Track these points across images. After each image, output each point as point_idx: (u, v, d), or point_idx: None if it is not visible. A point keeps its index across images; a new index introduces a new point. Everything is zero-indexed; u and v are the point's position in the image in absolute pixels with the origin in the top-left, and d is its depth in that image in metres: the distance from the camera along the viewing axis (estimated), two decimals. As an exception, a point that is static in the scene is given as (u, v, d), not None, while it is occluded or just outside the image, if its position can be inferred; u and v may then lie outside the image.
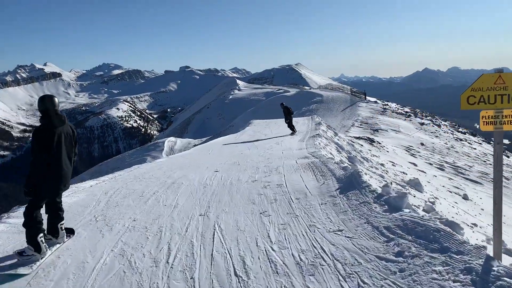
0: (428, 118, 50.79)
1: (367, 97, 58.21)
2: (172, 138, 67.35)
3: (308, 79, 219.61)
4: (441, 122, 50.39)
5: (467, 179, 23.17)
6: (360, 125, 40.18)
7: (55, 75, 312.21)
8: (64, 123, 4.48)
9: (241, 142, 16.35)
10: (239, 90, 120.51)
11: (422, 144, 33.25)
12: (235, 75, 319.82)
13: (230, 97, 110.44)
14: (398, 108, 53.73)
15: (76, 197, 6.93)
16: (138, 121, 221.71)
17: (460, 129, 49.30)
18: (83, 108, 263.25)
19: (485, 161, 31.82)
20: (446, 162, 28.49)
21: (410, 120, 48.03)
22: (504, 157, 39.27)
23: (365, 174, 6.52)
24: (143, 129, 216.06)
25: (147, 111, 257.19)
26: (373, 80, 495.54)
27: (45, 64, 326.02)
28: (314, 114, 50.73)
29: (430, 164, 26.27)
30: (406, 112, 52.50)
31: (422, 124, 45.87)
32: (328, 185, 6.47)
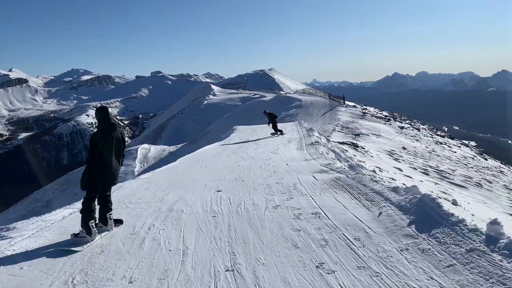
0: (407, 121, 50.35)
1: (346, 102, 57.36)
2: (145, 145, 64.58)
3: (281, 84, 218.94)
4: (419, 126, 49.98)
5: (452, 183, 22.35)
6: (341, 129, 39.07)
7: (21, 81, 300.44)
8: (115, 130, 5.33)
9: (232, 152, 14.66)
10: (214, 95, 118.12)
11: (404, 148, 32.40)
12: (208, 80, 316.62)
13: (205, 102, 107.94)
14: (377, 112, 53.15)
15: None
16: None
17: (438, 133, 49.09)
18: (52, 115, 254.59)
19: (466, 165, 31.23)
20: (430, 166, 27.64)
21: (390, 124, 47.28)
22: (482, 159, 38.89)
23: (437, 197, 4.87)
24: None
25: (118, 117, 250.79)
26: (345, 85, 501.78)
27: (10, 70, 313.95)
28: (295, 119, 49.48)
29: (415, 168, 25.34)
30: (386, 116, 51.93)
31: (402, 128, 45.18)
32: (390, 217, 4.79)
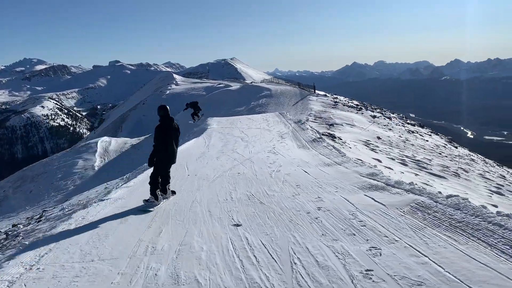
0: (377, 110, 49.07)
1: (316, 91, 55.35)
2: (105, 138, 60.08)
3: (244, 73, 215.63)
4: (390, 115, 48.78)
5: (431, 173, 21.05)
6: (315, 120, 37.03)
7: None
8: (173, 122, 7.00)
9: (219, 152, 11.95)
10: (177, 84, 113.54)
11: (378, 138, 30.83)
12: (169, 69, 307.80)
13: (167, 92, 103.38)
14: (348, 102, 51.54)
15: None
16: (66, 119, 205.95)
17: (408, 121, 48.08)
18: (3, 106, 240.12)
19: (440, 154, 30.00)
20: (407, 157, 26.13)
21: (362, 113, 45.59)
22: (453, 148, 37.98)
23: None
24: (71, 128, 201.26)
25: (75, 108, 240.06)
26: (306, 74, 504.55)
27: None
28: (266, 110, 46.89)
29: (392, 159, 23.86)
30: (357, 105, 50.40)
31: (374, 117, 43.60)
32: None
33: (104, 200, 7.39)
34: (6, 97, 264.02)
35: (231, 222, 5.09)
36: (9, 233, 10.85)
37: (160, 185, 6.78)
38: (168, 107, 7.06)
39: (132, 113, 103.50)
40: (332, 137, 25.07)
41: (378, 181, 6.44)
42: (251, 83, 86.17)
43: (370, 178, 6.66)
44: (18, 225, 12.85)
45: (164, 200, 6.80)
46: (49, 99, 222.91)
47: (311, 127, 15.15)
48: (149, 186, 6.68)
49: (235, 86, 77.27)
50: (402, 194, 5.48)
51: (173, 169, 7.94)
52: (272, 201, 5.94)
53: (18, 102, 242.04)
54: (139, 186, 8.33)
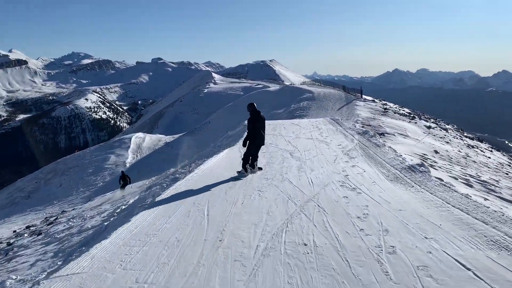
0: (432, 120, 43.56)
1: (363, 96, 50.25)
2: (140, 134, 57.81)
3: (282, 75, 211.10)
4: (445, 126, 43.03)
5: (501, 198, 16.32)
6: (363, 127, 32.59)
7: (21, 63, 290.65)
8: (260, 115, 8.42)
9: (263, 180, 7.86)
10: (215, 83, 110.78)
11: (436, 152, 25.97)
12: (209, 68, 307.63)
13: (205, 90, 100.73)
14: (399, 109, 46.22)
15: None
16: (108, 113, 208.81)
17: (465, 134, 42.32)
18: (50, 97, 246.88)
19: (507, 174, 24.89)
20: (471, 176, 21.37)
21: (415, 122, 40.24)
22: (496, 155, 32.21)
23: None
24: (112, 121, 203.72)
25: (117, 102, 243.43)
26: (345, 79, 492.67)
27: (10, 51, 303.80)
28: (308, 113, 42.61)
29: (455, 178, 19.14)
30: (409, 113, 45.00)
31: (429, 127, 38.20)
32: None
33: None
34: (53, 89, 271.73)
35: None
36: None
37: (250, 161, 8.39)
38: (255, 104, 8.50)
39: (169, 110, 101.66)
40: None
41: None
42: (291, 85, 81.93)
43: None
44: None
45: (252, 173, 8.34)
46: (93, 92, 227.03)
47: (390, 146, 10.85)
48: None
49: (274, 87, 73.20)
50: None
51: (178, 224, 3.87)
52: None
53: (64, 94, 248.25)
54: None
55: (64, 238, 10.98)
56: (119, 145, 53.46)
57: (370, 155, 9.77)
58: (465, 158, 27.52)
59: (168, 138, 56.28)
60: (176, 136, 57.05)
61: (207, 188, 7.13)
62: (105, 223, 9.63)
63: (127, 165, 44.79)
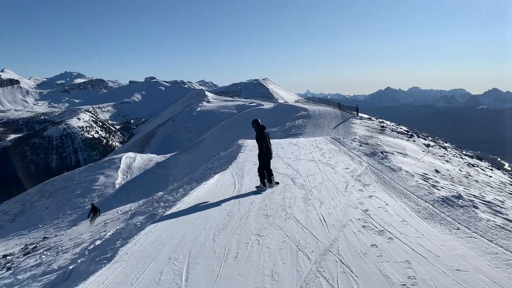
0: (430, 139, 42.29)
1: (359, 113, 49.08)
2: (130, 154, 55.82)
3: (275, 94, 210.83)
4: (444, 144, 41.72)
5: (509, 220, 14.81)
6: (360, 146, 31.20)
7: (13, 82, 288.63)
8: (264, 130, 8.89)
9: (262, 217, 6.26)
10: (208, 102, 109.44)
11: (437, 171, 24.57)
12: (202, 87, 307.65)
13: (198, 109, 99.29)
14: (396, 127, 44.94)
15: None
16: (100, 132, 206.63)
17: (464, 152, 41.03)
18: (42, 117, 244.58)
19: (511, 194, 23.50)
20: (475, 197, 19.98)
21: (414, 141, 38.99)
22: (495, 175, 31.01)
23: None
24: (104, 140, 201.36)
25: (109, 121, 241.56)
26: (338, 97, 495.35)
27: (2, 70, 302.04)
28: (304, 132, 41.12)
29: None
30: (407, 131, 43.74)
31: (428, 146, 36.89)
32: None
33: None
34: (45, 108, 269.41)
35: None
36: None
37: (267, 176, 8.60)
38: (258, 119, 8.92)
39: (162, 129, 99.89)
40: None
41: None
42: (285, 103, 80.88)
43: None
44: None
45: (269, 188, 8.52)
46: (86, 112, 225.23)
47: (407, 171, 9.35)
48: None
49: (268, 105, 71.94)
50: None
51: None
52: None
53: (56, 113, 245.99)
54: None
55: (25, 282, 9.48)
56: (108, 165, 51.57)
57: (386, 182, 8.21)
58: (467, 177, 26.01)
59: (160, 158, 54.44)
60: (168, 155, 55.28)
61: (190, 229, 5.51)
62: (70, 267, 8.09)
63: (117, 186, 42.93)
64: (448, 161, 31.45)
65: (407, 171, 9.45)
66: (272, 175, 8.70)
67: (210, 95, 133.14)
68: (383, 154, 12.23)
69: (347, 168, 10.23)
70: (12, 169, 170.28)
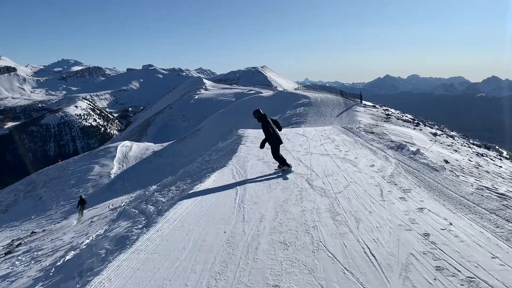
0: (436, 127, 40.31)
1: (363, 101, 46.92)
2: (127, 143, 53.87)
3: (273, 81, 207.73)
4: (451, 132, 39.75)
5: None
6: (381, 138, 29.38)
7: (9, 70, 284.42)
8: (267, 117, 8.76)
9: (264, 236, 4.40)
10: (206, 89, 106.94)
11: (446, 161, 22.76)
12: (200, 75, 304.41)
13: (196, 97, 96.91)
14: (401, 115, 42.89)
15: None
16: (98, 120, 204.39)
17: (471, 141, 39.16)
18: (39, 105, 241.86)
19: None
20: (487, 188, 18.20)
21: (421, 129, 36.98)
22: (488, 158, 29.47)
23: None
24: (102, 128, 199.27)
25: (107, 109, 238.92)
26: (336, 85, 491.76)
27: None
28: (306, 120, 39.11)
29: None
30: (413, 119, 41.70)
31: (435, 134, 34.89)
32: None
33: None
34: (43, 96, 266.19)
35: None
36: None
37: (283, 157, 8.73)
38: (260, 109, 8.87)
39: (159, 117, 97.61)
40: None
41: None
42: (285, 90, 78.74)
43: None
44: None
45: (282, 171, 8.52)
46: (83, 100, 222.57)
47: (451, 170, 7.46)
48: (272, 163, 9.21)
49: (267, 93, 69.75)
50: None
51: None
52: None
53: (53, 101, 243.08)
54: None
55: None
56: (104, 154, 49.74)
57: (432, 186, 6.30)
58: (477, 168, 24.11)
59: (157, 147, 52.56)
60: (165, 144, 53.43)
61: (172, 274, 3.61)
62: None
63: (112, 175, 41.20)
64: (456, 151, 29.45)
65: (452, 171, 7.54)
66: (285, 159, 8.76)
67: (208, 82, 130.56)
68: (412, 147, 10.31)
69: (373, 166, 8.32)
70: (10, 157, 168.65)
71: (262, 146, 8.60)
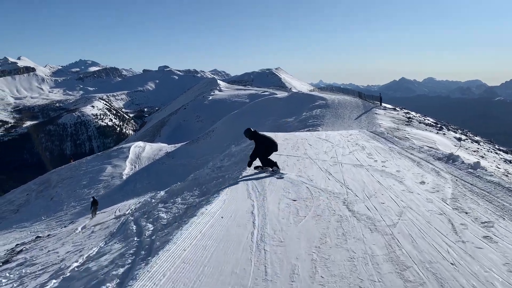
0: (459, 132, 38.01)
1: (383, 103, 44.89)
2: (140, 143, 52.85)
3: (287, 83, 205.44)
4: (475, 137, 37.38)
5: None
6: (422, 147, 27.48)
7: (29, 70, 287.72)
8: (258, 134, 8.61)
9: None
10: (220, 90, 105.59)
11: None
12: (214, 76, 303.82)
13: (210, 98, 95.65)
14: (423, 118, 40.69)
15: None
16: (114, 120, 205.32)
17: (497, 146, 36.79)
18: (57, 104, 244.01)
19: None
20: None
21: (444, 134, 34.79)
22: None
23: None
24: (118, 128, 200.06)
25: (123, 109, 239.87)
26: (351, 87, 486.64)
27: (18, 58, 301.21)
28: (323, 122, 37.38)
29: None
30: (435, 123, 39.45)
31: (460, 139, 32.61)
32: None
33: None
34: (60, 96, 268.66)
35: None
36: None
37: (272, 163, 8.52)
38: (251, 128, 8.78)
39: (173, 117, 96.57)
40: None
41: None
42: (299, 92, 76.88)
43: None
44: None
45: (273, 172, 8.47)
46: (100, 100, 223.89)
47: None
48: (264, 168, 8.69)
49: (281, 94, 68.01)
50: None
51: None
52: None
53: (70, 101, 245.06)
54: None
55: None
56: (117, 155, 48.80)
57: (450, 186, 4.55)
58: (507, 175, 21.92)
59: (170, 148, 51.42)
60: (178, 145, 52.26)
61: None
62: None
63: (124, 177, 40.16)
64: (483, 157, 27.03)
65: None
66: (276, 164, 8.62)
67: (222, 83, 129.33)
68: (466, 159, 8.51)
69: (423, 183, 6.59)
70: (28, 156, 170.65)
71: (250, 164, 8.64)
